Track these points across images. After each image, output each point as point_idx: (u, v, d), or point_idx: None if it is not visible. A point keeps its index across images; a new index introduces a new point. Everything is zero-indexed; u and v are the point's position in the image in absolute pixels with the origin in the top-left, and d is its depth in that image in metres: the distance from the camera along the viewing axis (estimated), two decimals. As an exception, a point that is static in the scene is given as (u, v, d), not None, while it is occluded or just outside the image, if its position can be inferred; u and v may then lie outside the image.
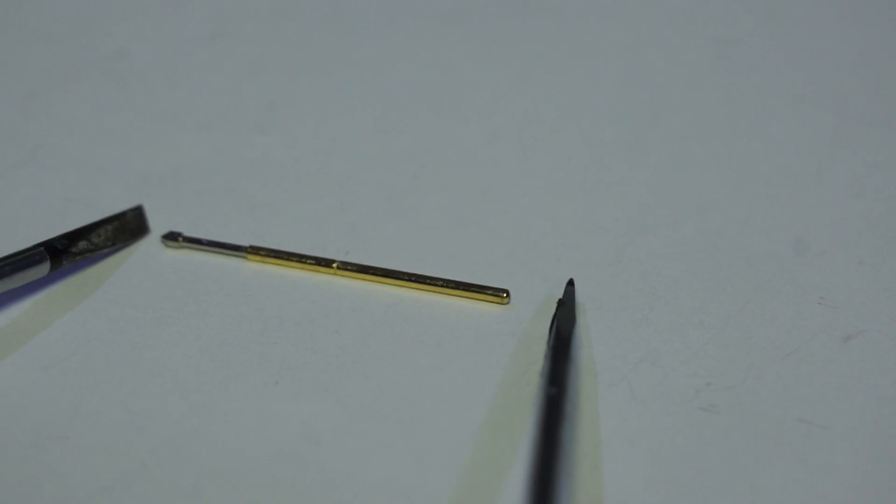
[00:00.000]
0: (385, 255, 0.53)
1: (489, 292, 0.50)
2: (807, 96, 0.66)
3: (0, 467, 0.43)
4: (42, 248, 0.49)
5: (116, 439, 0.44)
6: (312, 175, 0.59)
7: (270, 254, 0.52)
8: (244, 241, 0.53)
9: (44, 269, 0.49)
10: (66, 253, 0.50)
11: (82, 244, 0.51)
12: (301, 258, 0.52)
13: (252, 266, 0.52)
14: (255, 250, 0.52)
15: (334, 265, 0.51)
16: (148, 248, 0.53)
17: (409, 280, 0.51)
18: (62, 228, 0.53)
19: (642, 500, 0.43)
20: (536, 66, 0.69)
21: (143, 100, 0.64)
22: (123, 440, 0.44)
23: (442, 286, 0.50)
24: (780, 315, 0.50)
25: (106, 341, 0.48)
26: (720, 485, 0.43)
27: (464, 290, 0.50)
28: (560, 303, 0.49)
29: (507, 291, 0.50)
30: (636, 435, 0.45)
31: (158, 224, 0.54)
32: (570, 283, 0.50)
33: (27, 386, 0.46)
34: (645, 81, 0.67)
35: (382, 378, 0.47)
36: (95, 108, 0.63)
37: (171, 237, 0.53)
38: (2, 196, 0.56)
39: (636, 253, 0.54)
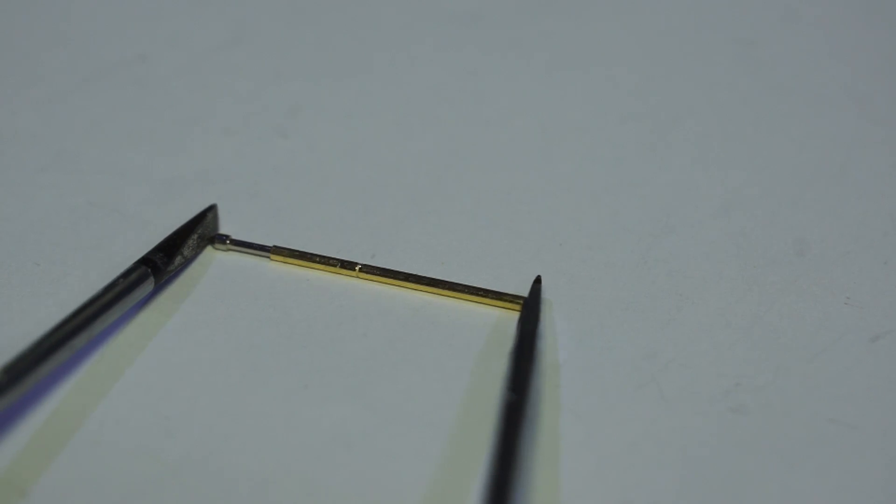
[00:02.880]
0: (410, 258, 0.53)
1: (507, 299, 0.50)
2: (829, 96, 0.66)
3: (31, 472, 0.43)
4: (147, 268, 0.49)
5: (147, 443, 0.44)
6: (336, 178, 0.59)
7: (293, 254, 0.52)
8: (267, 243, 0.53)
9: (149, 286, 0.49)
10: (165, 271, 0.50)
11: (178, 259, 0.51)
12: (325, 260, 0.52)
13: (277, 268, 0.52)
14: (278, 251, 0.52)
15: (357, 268, 0.51)
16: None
17: (426, 284, 0.51)
18: (87, 233, 0.54)
19: (672, 500, 0.43)
20: (557, 68, 0.69)
21: (165, 104, 0.64)
22: (154, 444, 0.44)
23: (461, 291, 0.50)
24: (807, 315, 0.50)
25: (134, 346, 0.48)
26: (750, 485, 0.43)
27: (482, 296, 0.50)
28: (524, 303, 0.49)
29: (525, 299, 0.50)
30: (666, 435, 0.45)
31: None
32: (537, 280, 0.50)
33: (57, 391, 0.46)
34: (666, 82, 0.68)
35: (412, 381, 0.47)
36: (117, 112, 0.63)
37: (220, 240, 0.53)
38: (25, 201, 0.56)
39: (661, 254, 0.54)
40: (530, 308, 0.49)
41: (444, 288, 0.50)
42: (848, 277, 0.52)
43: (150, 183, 0.58)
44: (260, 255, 0.53)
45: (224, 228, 0.54)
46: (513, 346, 0.47)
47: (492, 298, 0.50)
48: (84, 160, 0.59)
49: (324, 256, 0.52)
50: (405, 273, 0.51)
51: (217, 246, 0.53)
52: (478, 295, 0.50)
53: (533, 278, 0.52)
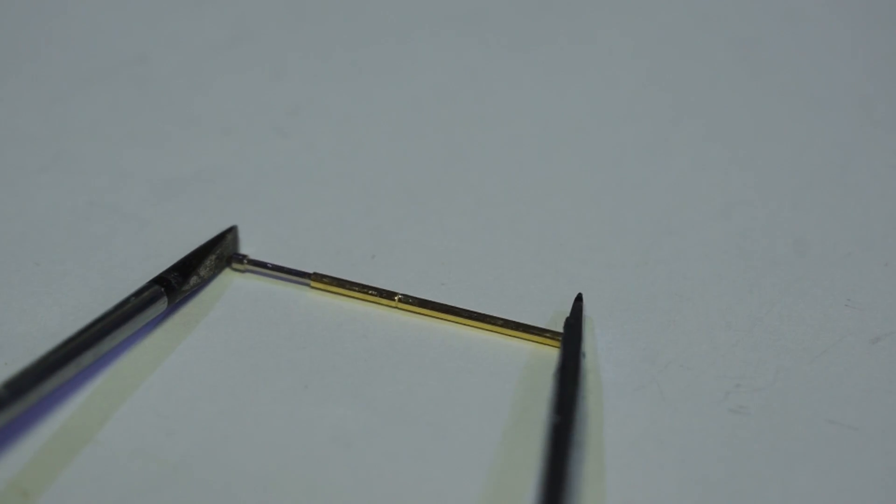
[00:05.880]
0: (410, 259, 0.53)
1: (548, 335, 0.48)
2: (829, 96, 0.66)
3: (31, 472, 0.43)
4: (161, 288, 0.48)
5: (147, 443, 0.44)
6: (336, 178, 0.59)
7: (333, 282, 0.51)
8: (267, 245, 0.53)
9: (161, 306, 0.48)
10: (179, 291, 0.49)
11: (193, 279, 0.49)
12: (363, 289, 0.51)
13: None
14: (319, 278, 0.51)
15: (396, 298, 0.50)
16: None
17: (470, 317, 0.49)
18: (87, 233, 0.54)
19: (672, 501, 0.43)
20: (558, 69, 0.69)
21: (165, 104, 0.64)
22: (154, 444, 0.44)
23: (501, 325, 0.49)
24: (807, 317, 0.50)
25: (134, 345, 0.48)
26: (750, 486, 0.43)
27: (522, 331, 0.49)
28: (567, 323, 0.48)
29: (566, 318, 0.49)
30: (666, 436, 0.45)
31: (183, 228, 0.54)
32: (579, 298, 0.50)
33: (56, 390, 0.46)
34: (667, 83, 0.68)
35: (412, 381, 0.47)
36: (117, 112, 0.63)
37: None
38: (26, 201, 0.56)
39: (662, 255, 0.54)
40: (572, 327, 0.48)
41: (485, 321, 0.49)
42: (848, 279, 0.52)
43: (150, 183, 0.58)
44: (280, 278, 0.51)
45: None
46: (556, 367, 0.46)
47: (532, 334, 0.49)
48: (84, 160, 0.59)
49: (362, 285, 0.50)
50: (445, 305, 0.50)
51: (235, 266, 0.52)
52: (518, 330, 0.49)
53: (534, 279, 0.52)
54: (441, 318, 0.50)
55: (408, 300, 0.50)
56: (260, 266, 0.52)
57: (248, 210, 0.56)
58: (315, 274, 0.51)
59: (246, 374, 0.47)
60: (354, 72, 0.68)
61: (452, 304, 0.50)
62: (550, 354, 0.48)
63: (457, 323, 0.50)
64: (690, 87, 0.67)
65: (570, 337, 0.47)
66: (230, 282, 0.51)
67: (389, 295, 0.50)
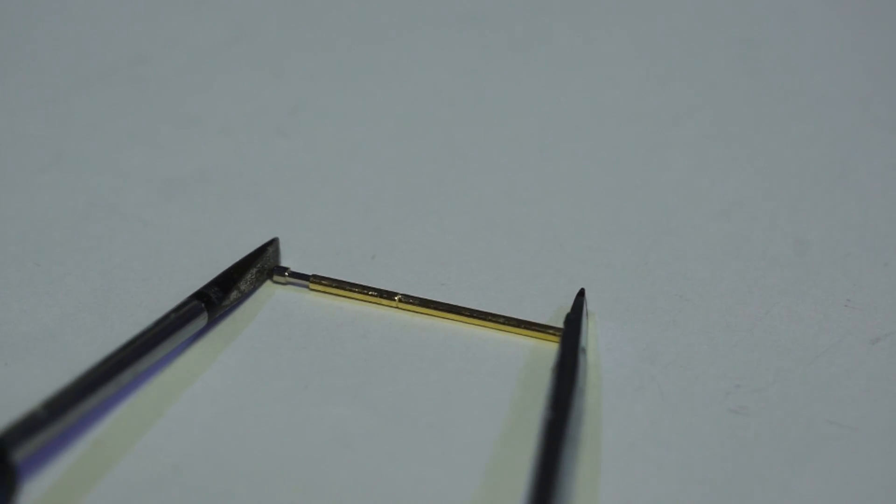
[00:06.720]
0: (411, 259, 0.53)
1: (549, 331, 0.48)
2: (829, 96, 0.66)
3: (31, 472, 0.43)
4: (201, 303, 0.47)
5: (147, 443, 0.44)
6: (336, 178, 0.59)
7: (333, 284, 0.50)
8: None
9: (202, 322, 0.47)
10: (220, 306, 0.48)
11: (234, 294, 0.49)
12: (364, 289, 0.50)
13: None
14: (318, 280, 0.51)
15: (396, 298, 0.50)
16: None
17: (471, 316, 0.49)
18: (87, 233, 0.54)
19: (672, 501, 0.43)
20: (557, 68, 0.69)
21: (165, 104, 0.64)
22: (154, 444, 0.44)
23: (501, 322, 0.49)
24: (807, 317, 0.50)
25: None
26: (749, 486, 0.43)
27: (522, 327, 0.49)
28: (568, 319, 0.48)
29: (567, 314, 0.48)
30: (666, 436, 0.45)
31: (183, 228, 0.54)
32: (581, 293, 0.50)
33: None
34: (666, 82, 0.68)
35: (412, 381, 0.47)
36: (117, 112, 0.63)
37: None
38: (26, 201, 0.56)
39: (662, 255, 0.54)
40: (572, 323, 0.48)
41: (484, 319, 0.49)
42: (848, 279, 0.52)
43: (150, 183, 0.58)
44: (311, 287, 0.51)
45: (223, 229, 0.54)
46: (555, 362, 0.46)
47: (534, 330, 0.48)
48: (84, 160, 0.59)
49: (362, 286, 0.50)
50: (446, 304, 0.49)
51: (276, 279, 0.51)
52: (520, 326, 0.49)
53: (534, 279, 0.52)
54: (442, 317, 0.50)
55: (408, 300, 0.50)
56: (303, 279, 0.51)
57: (248, 210, 0.56)
58: (314, 276, 0.51)
59: (246, 375, 0.47)
60: (354, 72, 0.68)
61: (453, 304, 0.50)
62: (552, 351, 0.48)
63: (458, 322, 0.50)
64: (691, 87, 0.67)
65: (570, 332, 0.47)
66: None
67: (389, 295, 0.50)
